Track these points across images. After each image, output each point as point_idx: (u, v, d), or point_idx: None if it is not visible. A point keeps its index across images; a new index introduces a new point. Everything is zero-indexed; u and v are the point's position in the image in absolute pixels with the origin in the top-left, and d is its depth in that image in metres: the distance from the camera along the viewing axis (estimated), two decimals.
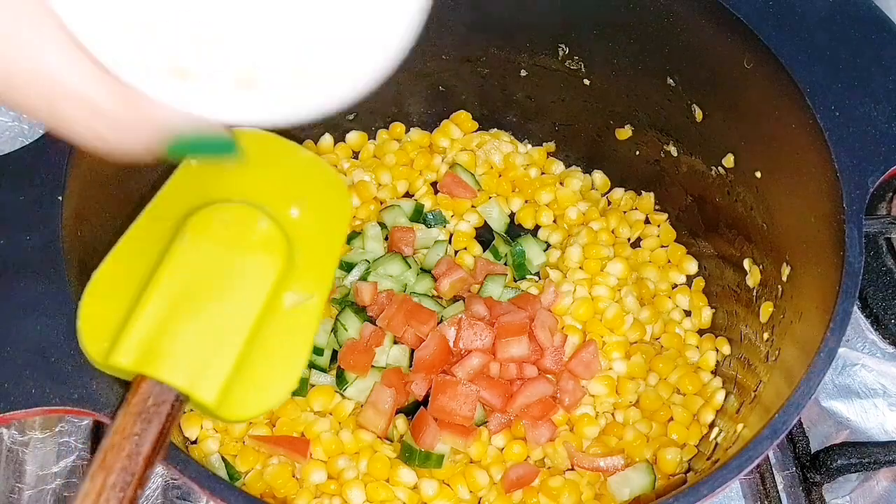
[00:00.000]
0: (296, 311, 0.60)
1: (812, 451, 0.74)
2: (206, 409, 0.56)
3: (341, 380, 0.74)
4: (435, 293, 0.79)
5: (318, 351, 0.74)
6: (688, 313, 0.80)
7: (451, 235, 0.84)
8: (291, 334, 0.59)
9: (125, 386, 0.56)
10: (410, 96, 0.86)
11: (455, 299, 0.78)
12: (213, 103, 0.41)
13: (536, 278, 0.82)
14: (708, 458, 0.69)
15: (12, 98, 0.36)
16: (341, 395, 0.74)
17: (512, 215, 0.86)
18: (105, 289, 0.58)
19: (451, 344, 0.74)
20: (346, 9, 0.42)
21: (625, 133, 0.83)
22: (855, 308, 0.58)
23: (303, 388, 0.73)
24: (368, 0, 0.42)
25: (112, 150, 0.40)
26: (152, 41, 0.38)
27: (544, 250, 0.83)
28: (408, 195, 0.86)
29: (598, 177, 0.87)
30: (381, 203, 0.85)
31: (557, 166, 0.88)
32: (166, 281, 0.57)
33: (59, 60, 0.36)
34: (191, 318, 0.56)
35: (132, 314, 0.56)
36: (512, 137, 0.89)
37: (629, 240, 0.83)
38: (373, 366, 0.74)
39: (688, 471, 0.70)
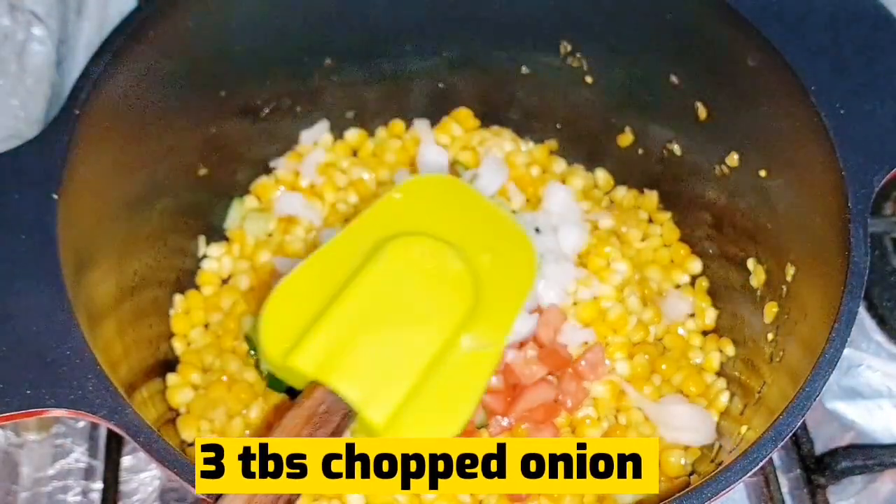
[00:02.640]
0: (472, 355, 0.61)
1: (817, 454, 0.74)
2: (372, 430, 0.56)
3: None
4: None
5: None
6: (691, 314, 0.79)
7: None
8: (464, 377, 0.60)
9: (123, 388, 0.55)
10: (410, 94, 0.85)
11: None
12: None
13: None
14: (711, 461, 0.68)
15: None
16: None
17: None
18: (294, 293, 0.60)
19: None
20: None
21: (627, 134, 0.82)
22: (860, 308, 0.57)
23: None
24: None
25: None
26: None
27: None
28: None
29: (601, 175, 0.86)
30: None
31: (559, 164, 0.87)
32: (359, 295, 0.59)
33: None
34: (375, 336, 0.58)
35: (320, 320, 0.58)
36: (514, 135, 0.88)
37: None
38: None
39: (691, 473, 0.70)
